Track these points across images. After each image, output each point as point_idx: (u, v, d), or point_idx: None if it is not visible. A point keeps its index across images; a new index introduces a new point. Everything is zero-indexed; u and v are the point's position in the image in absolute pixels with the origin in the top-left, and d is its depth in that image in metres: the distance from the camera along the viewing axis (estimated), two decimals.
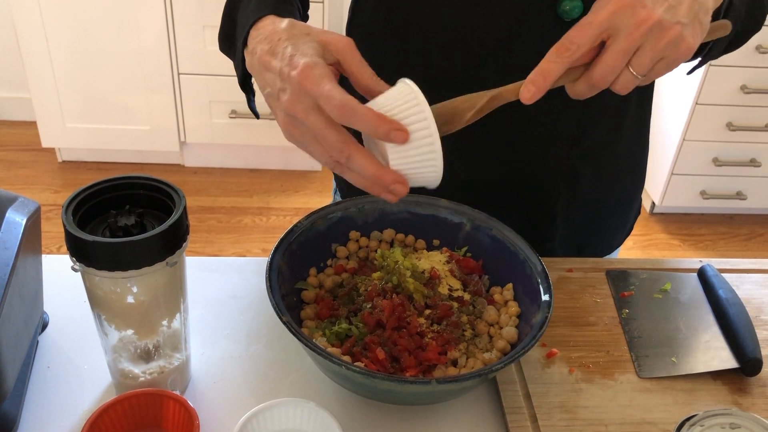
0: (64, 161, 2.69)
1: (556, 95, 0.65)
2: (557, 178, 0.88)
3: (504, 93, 0.62)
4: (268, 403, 0.64)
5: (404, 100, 0.58)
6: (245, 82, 0.72)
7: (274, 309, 0.64)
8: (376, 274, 0.75)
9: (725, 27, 0.66)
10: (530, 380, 0.72)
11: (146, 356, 0.66)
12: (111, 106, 2.46)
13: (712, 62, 2.22)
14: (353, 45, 0.62)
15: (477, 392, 0.72)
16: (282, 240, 0.73)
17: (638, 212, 1.04)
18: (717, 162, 2.45)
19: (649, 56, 0.58)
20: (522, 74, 0.61)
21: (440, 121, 0.59)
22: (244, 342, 0.77)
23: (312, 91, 0.57)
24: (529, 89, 0.59)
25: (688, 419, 0.55)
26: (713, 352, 0.76)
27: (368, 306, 0.70)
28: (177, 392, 0.65)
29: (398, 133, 0.56)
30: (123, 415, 0.63)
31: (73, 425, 0.66)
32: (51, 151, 2.68)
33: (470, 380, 0.61)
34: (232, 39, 0.73)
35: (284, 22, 0.64)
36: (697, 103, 2.33)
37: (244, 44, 0.68)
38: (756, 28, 0.77)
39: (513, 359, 0.62)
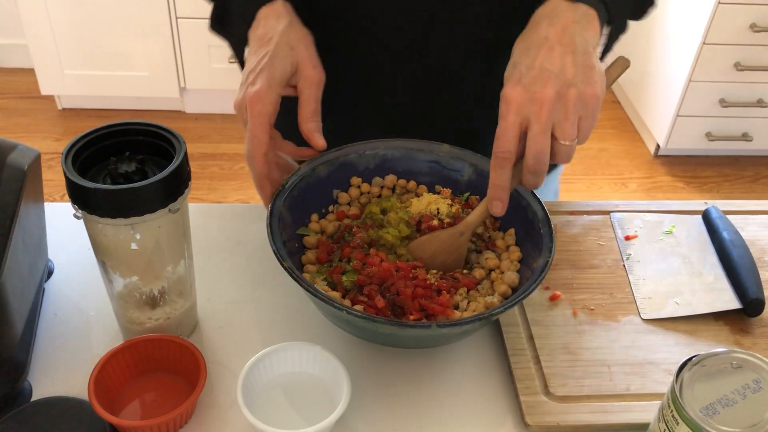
0: (64, 109, 2.66)
1: None
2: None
3: (472, 223, 0.70)
4: (274, 346, 0.64)
5: None
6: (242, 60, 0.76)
7: (275, 254, 0.64)
8: (368, 207, 0.75)
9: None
10: (533, 323, 0.72)
11: (152, 302, 0.66)
12: (109, 51, 2.43)
13: (721, 0, 2.19)
14: (320, 84, 0.70)
15: (480, 334, 0.73)
16: (283, 186, 0.72)
17: None
18: (723, 103, 2.42)
19: (567, 124, 0.61)
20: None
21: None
22: (249, 287, 0.77)
23: (248, 117, 0.66)
24: (497, 205, 0.65)
25: (690, 359, 0.55)
26: (716, 294, 0.77)
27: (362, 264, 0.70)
28: (184, 337, 0.66)
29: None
30: (131, 361, 0.64)
31: (81, 371, 0.67)
32: (50, 99, 2.65)
33: (471, 324, 0.61)
34: (227, 21, 0.76)
35: (283, 24, 0.69)
36: (704, 43, 2.28)
37: (249, 25, 0.72)
38: None
39: (514, 303, 0.63)
